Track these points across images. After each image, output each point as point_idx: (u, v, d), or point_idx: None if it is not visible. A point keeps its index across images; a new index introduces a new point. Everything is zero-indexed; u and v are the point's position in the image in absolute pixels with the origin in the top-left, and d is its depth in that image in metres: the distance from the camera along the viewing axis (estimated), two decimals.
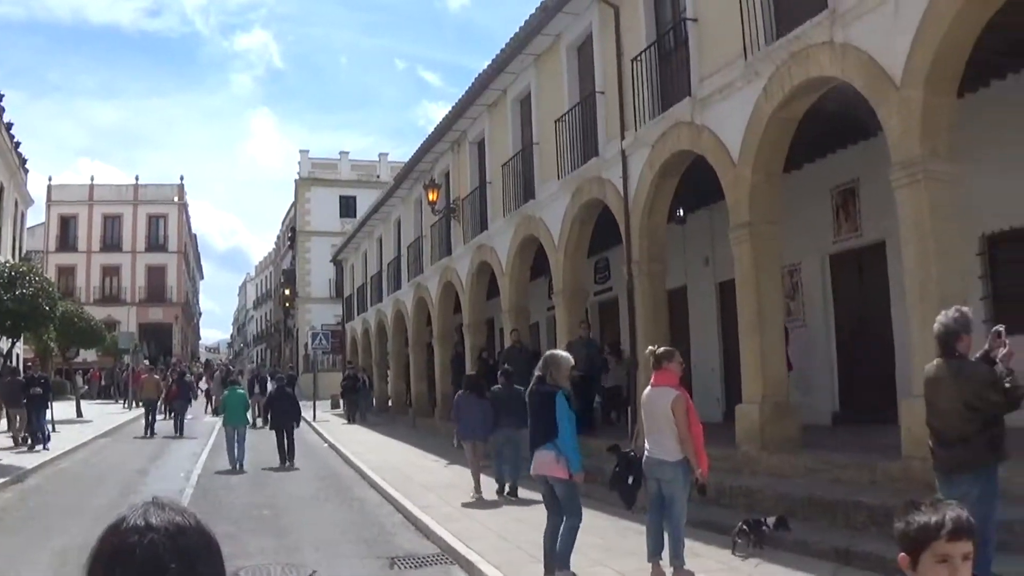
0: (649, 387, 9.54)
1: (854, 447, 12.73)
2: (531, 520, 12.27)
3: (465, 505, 14.71)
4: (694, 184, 16.46)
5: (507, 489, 15.34)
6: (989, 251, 14.30)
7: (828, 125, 14.49)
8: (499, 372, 17.49)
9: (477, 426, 15.92)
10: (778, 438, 13.16)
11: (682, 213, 19.35)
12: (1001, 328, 7.25)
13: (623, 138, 17.07)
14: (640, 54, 16.49)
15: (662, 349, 9.73)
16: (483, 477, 15.64)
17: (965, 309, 7.44)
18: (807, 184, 17.32)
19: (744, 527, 10.14)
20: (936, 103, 10.57)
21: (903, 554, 2.80)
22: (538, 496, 13.90)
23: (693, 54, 15.05)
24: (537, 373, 9.67)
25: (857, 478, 11.23)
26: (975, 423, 6.98)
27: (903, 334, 14.72)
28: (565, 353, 10.02)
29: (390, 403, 39.48)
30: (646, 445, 9.43)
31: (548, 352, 10.15)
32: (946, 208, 10.58)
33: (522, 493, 14.93)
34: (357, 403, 36.90)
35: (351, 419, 35.95)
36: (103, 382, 57.60)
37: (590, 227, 19.56)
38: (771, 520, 10.30)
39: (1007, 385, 6.90)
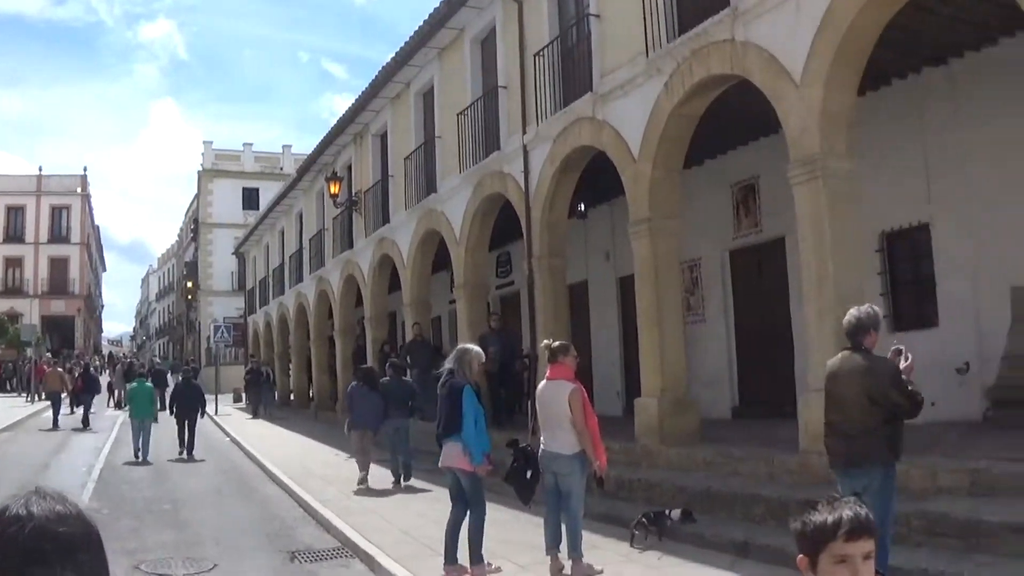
0: (544, 381, 9.38)
1: (753, 441, 12.70)
2: (431, 514, 12.21)
3: (357, 493, 15.07)
4: (595, 179, 16.36)
5: (401, 477, 15.75)
6: (888, 248, 14.40)
7: (729, 122, 14.47)
8: (387, 364, 18.07)
9: (368, 416, 16.13)
10: (677, 432, 13.08)
11: (583, 208, 19.23)
12: (902, 347, 7.26)
13: (525, 133, 16.88)
14: (543, 49, 16.30)
15: (557, 343, 9.55)
16: (373, 466, 15.96)
17: (876, 308, 7.50)
18: (708, 180, 17.34)
19: (644, 520, 10.01)
20: (835, 101, 10.53)
21: (801, 555, 2.61)
22: (431, 486, 15.10)
23: (595, 50, 14.90)
24: (447, 366, 9.62)
25: (755, 471, 11.17)
26: (876, 417, 6.97)
27: (801, 329, 14.80)
28: (476, 347, 9.91)
29: (292, 397, 38.87)
30: (542, 439, 9.29)
31: (459, 346, 10.05)
32: (844, 205, 10.55)
33: (416, 483, 15.51)
34: (261, 397, 36.12)
35: (255, 413, 35.19)
36: (4, 375, 55.79)
37: (491, 221, 19.35)
38: (675, 512, 10.19)
39: (909, 389, 6.93)
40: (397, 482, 15.68)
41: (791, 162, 10.84)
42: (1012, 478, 8.35)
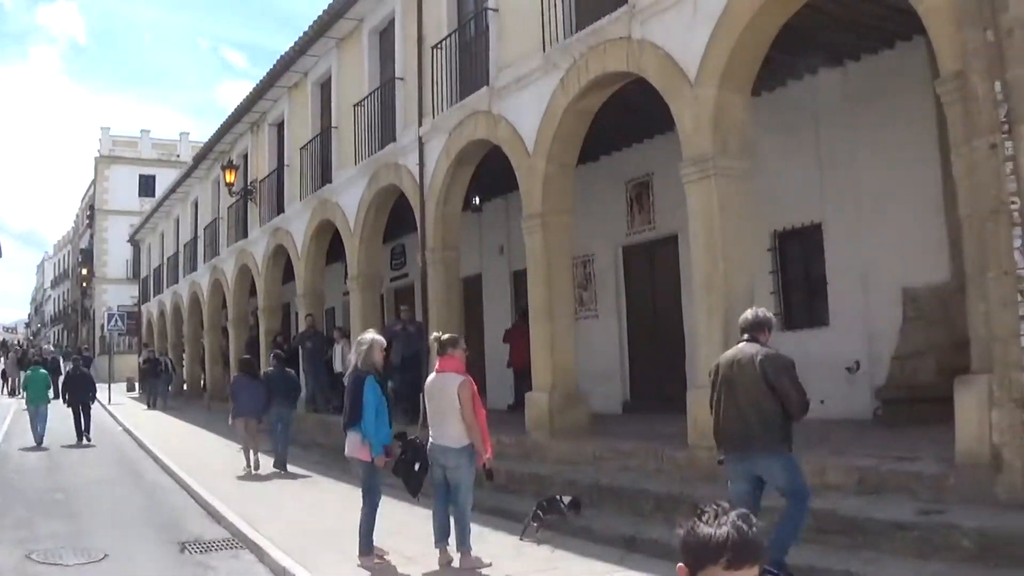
0: (433, 373, 9.10)
1: (643, 435, 12.55)
2: (323, 505, 12.04)
3: (242, 479, 15.30)
4: (491, 173, 16.09)
5: (282, 463, 16.01)
6: (780, 247, 14.39)
7: (625, 119, 14.36)
8: (272, 355, 18.47)
9: (250, 405, 16.27)
10: (568, 425, 12.90)
11: (478, 201, 18.97)
12: None
13: (421, 125, 16.54)
14: (441, 41, 15.98)
15: (447, 336, 9.29)
16: (260, 454, 16.15)
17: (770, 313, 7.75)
18: (603, 177, 17.19)
19: (539, 511, 9.81)
20: (729, 101, 10.44)
21: (681, 565, 2.42)
22: (310, 472, 15.58)
23: (493, 44, 14.64)
24: (350, 358, 9.49)
25: (644, 466, 11.02)
26: (774, 403, 7.04)
27: (692, 326, 14.76)
28: (377, 336, 9.60)
29: (185, 387, 37.86)
30: (430, 432, 9.04)
31: (360, 337, 9.77)
32: (736, 203, 10.46)
33: (296, 469, 15.88)
34: (157, 387, 34.49)
35: (151, 404, 33.69)
36: None
37: (386, 213, 18.96)
38: (566, 499, 9.96)
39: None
40: (279, 468, 15.86)
41: (684, 160, 10.71)
42: (899, 476, 8.29)
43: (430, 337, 9.63)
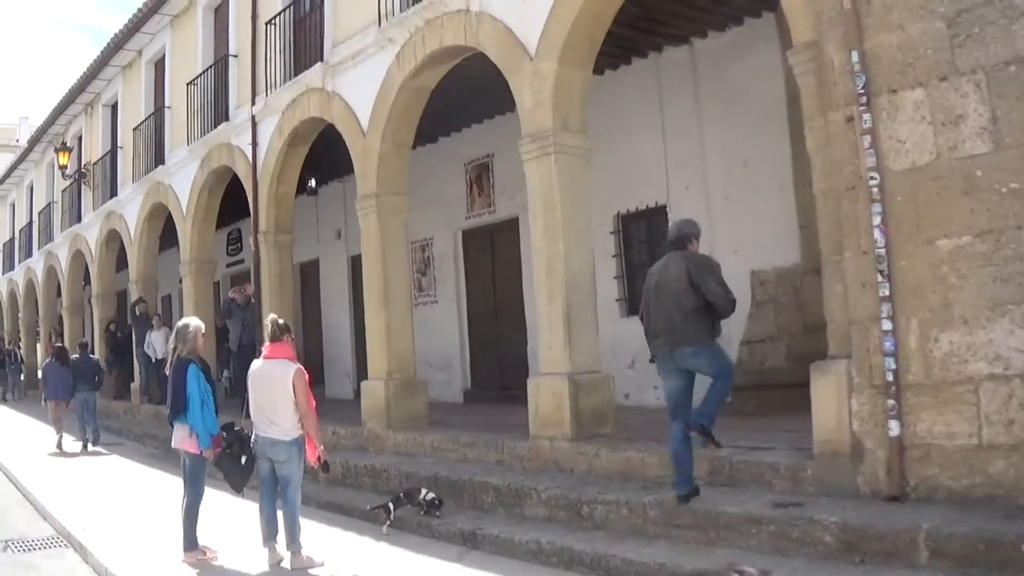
0: (262, 360, 7.92)
1: (483, 425, 11.55)
2: (150, 504, 10.72)
3: (51, 455, 15.87)
4: (328, 154, 14.84)
5: (88, 443, 16.52)
6: (623, 230, 13.46)
7: (464, 99, 13.27)
8: (79, 342, 18.89)
9: (59, 389, 16.94)
10: (405, 416, 11.80)
11: (314, 184, 17.59)
12: None
13: (254, 104, 15.08)
14: (275, 17, 14.57)
15: (284, 320, 8.16)
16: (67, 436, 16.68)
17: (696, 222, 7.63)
18: (442, 158, 16.02)
19: (392, 504, 8.76)
20: (570, 76, 9.49)
21: None
22: (113, 452, 15.72)
23: (328, 19, 13.34)
24: (171, 345, 8.42)
25: (484, 457, 10.00)
26: (698, 300, 7.00)
27: (533, 312, 13.84)
28: (198, 322, 8.44)
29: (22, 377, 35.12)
30: (255, 423, 7.88)
31: (180, 321, 8.62)
32: (577, 183, 9.54)
33: (101, 448, 16.56)
34: (9, 380, 31.71)
35: (3, 397, 31.03)
36: None
37: (219, 195, 17.42)
38: (429, 495, 8.80)
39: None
40: (85, 447, 16.45)
41: (523, 137, 9.70)
42: (753, 467, 7.44)
43: (265, 320, 8.38)
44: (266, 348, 7.96)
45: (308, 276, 20.09)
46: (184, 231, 17.95)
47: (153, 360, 18.39)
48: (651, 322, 7.36)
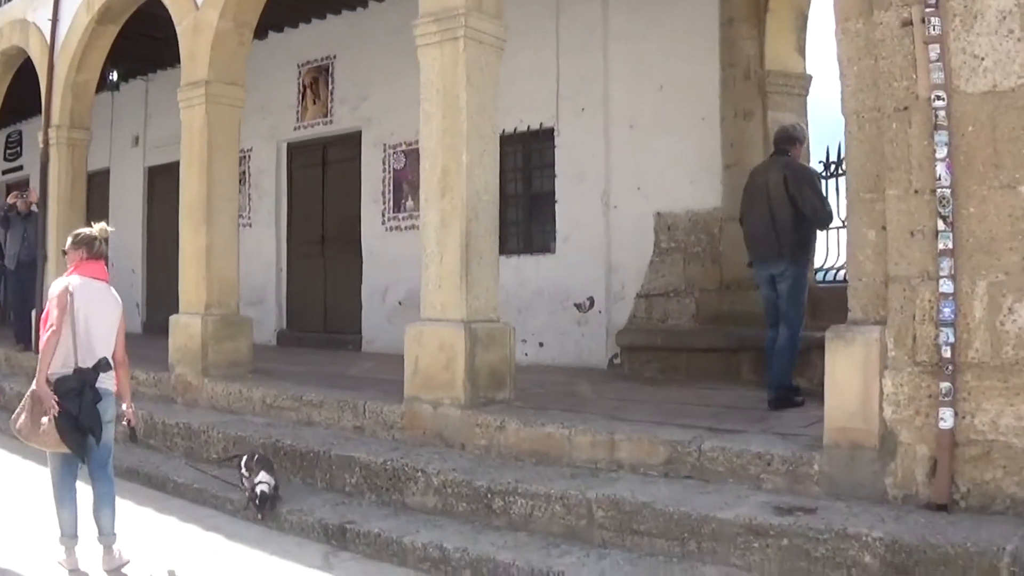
0: (78, 278, 5.69)
1: (316, 377, 9.54)
2: None
3: None
4: (134, 42, 12.40)
5: None
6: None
7: None
8: None
9: None
10: (224, 361, 9.63)
11: (116, 77, 14.72)
12: None
13: None
14: None
15: (103, 227, 5.97)
16: None
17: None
18: (270, 56, 13.54)
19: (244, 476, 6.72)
20: None
21: None
22: None
23: None
24: None
25: (338, 422, 7.93)
26: (793, 210, 7.08)
27: (374, 243, 11.74)
28: None
29: None
30: (98, 358, 5.59)
31: None
32: (487, 79, 7.54)
33: None
34: None
35: None
36: None
37: (6, 84, 14.16)
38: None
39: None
40: None
41: (420, 16, 7.58)
42: (732, 457, 5.67)
43: (72, 233, 5.95)
44: (81, 264, 5.75)
45: (96, 188, 17.07)
46: None
47: None
48: (749, 226, 7.51)
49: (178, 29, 10.19)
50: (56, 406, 5.28)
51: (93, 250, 5.79)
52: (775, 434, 6.08)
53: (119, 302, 5.89)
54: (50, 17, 12.22)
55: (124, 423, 5.79)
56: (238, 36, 9.87)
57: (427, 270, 7.41)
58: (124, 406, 5.76)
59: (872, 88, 5.40)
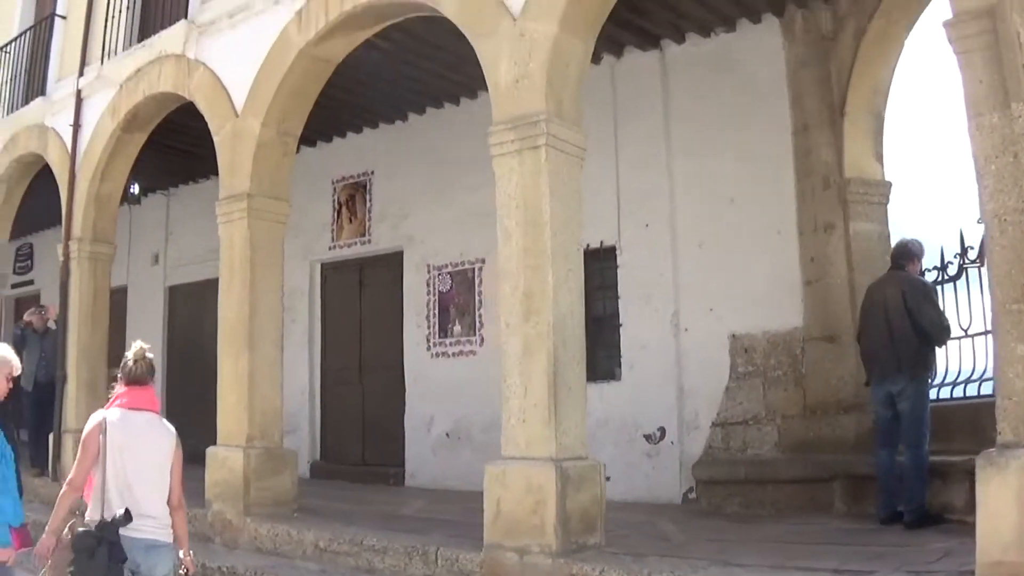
0: (117, 411, 4.88)
1: (367, 516, 8.69)
2: None
3: None
4: (158, 152, 11.93)
5: None
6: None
7: (349, 94, 10.81)
8: None
9: None
10: (268, 498, 8.79)
11: (137, 191, 14.13)
12: None
13: (82, 75, 11.66)
14: None
15: (151, 354, 5.13)
16: None
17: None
18: (303, 172, 12.80)
19: None
20: (569, 45, 6.99)
21: None
22: None
23: None
24: None
25: (404, 569, 7.07)
26: (912, 326, 7.06)
27: (418, 370, 11.08)
28: (5, 353, 5.31)
29: None
30: (118, 510, 4.65)
31: None
32: (569, 192, 7.01)
33: None
34: None
35: None
36: None
37: (21, 192, 13.58)
38: None
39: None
40: None
41: (495, 123, 7.02)
42: None
43: (132, 350, 5.14)
44: (124, 392, 4.96)
45: (113, 307, 16.50)
46: None
47: None
48: (866, 343, 7.49)
49: (216, 138, 9.64)
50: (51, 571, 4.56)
51: (130, 375, 5.01)
52: (908, 572, 5.36)
53: (172, 433, 5.04)
54: (71, 122, 11.74)
55: (182, 572, 4.99)
56: (282, 146, 9.32)
57: (508, 403, 6.66)
58: (181, 553, 4.98)
59: (1013, 188, 4.86)
